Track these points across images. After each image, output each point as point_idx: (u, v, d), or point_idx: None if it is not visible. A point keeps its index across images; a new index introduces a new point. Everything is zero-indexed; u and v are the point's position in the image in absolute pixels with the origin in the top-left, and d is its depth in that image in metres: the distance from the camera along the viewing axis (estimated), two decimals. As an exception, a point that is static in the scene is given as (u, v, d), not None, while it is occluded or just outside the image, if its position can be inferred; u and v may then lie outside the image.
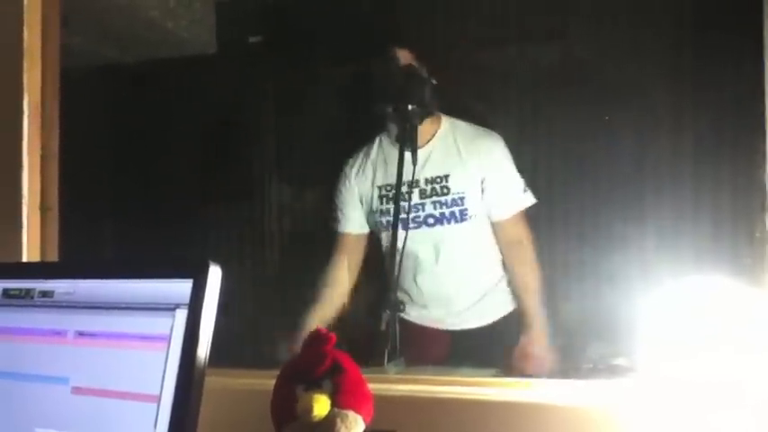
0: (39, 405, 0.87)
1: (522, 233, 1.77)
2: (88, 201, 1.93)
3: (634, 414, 1.00)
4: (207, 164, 2.34)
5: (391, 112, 1.74)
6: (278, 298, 2.31)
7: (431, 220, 1.76)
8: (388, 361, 1.40)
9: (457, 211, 1.76)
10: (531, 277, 1.74)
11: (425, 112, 1.73)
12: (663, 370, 1.10)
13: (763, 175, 1.29)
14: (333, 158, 2.07)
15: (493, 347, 1.76)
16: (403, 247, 1.59)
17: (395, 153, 1.74)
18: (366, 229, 1.89)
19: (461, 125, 1.83)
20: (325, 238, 2.26)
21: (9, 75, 1.38)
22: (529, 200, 1.78)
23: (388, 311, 1.45)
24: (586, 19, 2.04)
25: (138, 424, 0.80)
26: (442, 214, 1.76)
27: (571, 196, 2.00)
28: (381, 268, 1.81)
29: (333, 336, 0.89)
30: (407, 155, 1.68)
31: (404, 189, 1.71)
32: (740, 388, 0.99)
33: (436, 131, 1.81)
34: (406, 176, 1.69)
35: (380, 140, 1.86)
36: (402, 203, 1.69)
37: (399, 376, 1.21)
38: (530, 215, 1.82)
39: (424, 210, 1.76)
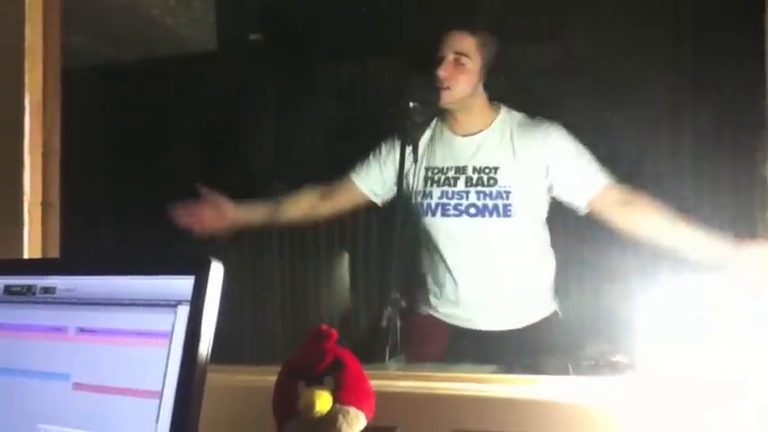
0: (40, 401, 0.88)
1: (620, 197, 1.68)
2: (89, 198, 1.93)
3: (634, 411, 1.01)
4: (207, 161, 2.34)
5: (392, 111, 1.74)
6: (278, 298, 2.31)
7: (473, 210, 1.72)
8: (389, 357, 1.40)
9: (501, 204, 1.71)
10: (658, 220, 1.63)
11: (427, 110, 1.72)
12: (663, 367, 1.10)
13: (764, 173, 1.29)
14: (333, 157, 2.08)
15: (521, 350, 1.73)
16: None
17: (451, 139, 1.76)
18: (370, 197, 1.87)
19: (518, 117, 1.78)
20: (326, 238, 2.26)
21: (10, 73, 1.38)
22: (605, 179, 1.69)
23: (389, 308, 1.46)
24: (585, 16, 2.04)
25: (139, 420, 0.81)
26: (485, 206, 1.72)
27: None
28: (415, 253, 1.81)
29: (334, 332, 0.89)
30: (408, 152, 1.68)
31: (451, 174, 1.72)
32: (740, 386, 0.99)
33: (493, 121, 1.77)
34: (456, 162, 1.70)
35: (436, 123, 1.82)
36: (446, 188, 1.69)
37: (401, 372, 1.21)
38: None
39: (467, 198, 1.72)
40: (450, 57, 1.72)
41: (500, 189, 1.71)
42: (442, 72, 1.71)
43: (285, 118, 2.33)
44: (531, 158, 1.73)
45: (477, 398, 1.06)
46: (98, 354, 0.86)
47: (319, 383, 0.87)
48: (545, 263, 1.81)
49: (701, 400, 0.99)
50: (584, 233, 1.84)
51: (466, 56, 1.72)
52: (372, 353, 1.39)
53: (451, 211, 1.73)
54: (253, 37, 2.39)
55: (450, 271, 1.77)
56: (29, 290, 0.93)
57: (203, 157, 2.37)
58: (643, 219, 1.66)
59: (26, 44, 1.39)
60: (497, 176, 1.72)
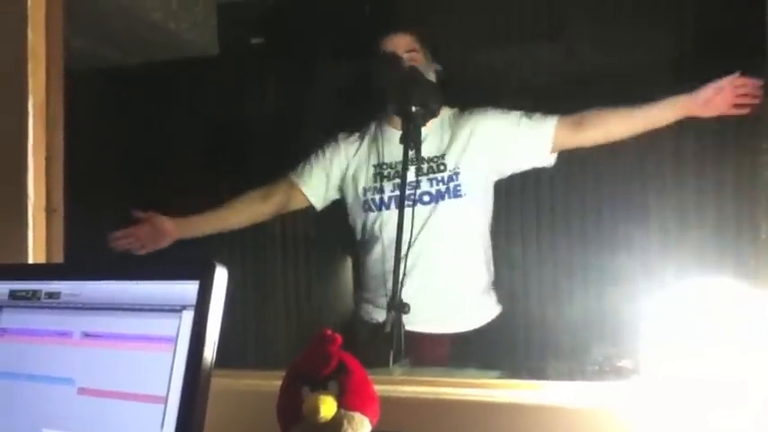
0: (45, 406, 0.88)
1: (572, 124, 1.76)
2: (93, 202, 1.93)
3: (639, 415, 1.00)
4: (210, 165, 2.34)
5: (395, 113, 1.75)
6: (282, 303, 2.31)
7: (426, 198, 1.76)
8: (393, 362, 1.40)
9: (452, 186, 1.77)
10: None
11: (429, 113, 1.73)
12: (667, 371, 1.10)
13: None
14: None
15: (482, 352, 1.75)
16: (408, 248, 1.58)
17: (393, 134, 1.79)
18: (311, 199, 1.91)
19: (453, 111, 1.85)
20: (328, 240, 2.26)
21: (14, 76, 1.38)
22: (553, 121, 1.76)
23: (392, 312, 1.45)
24: (587, 17, 2.04)
25: (144, 425, 0.80)
26: (438, 191, 1.77)
27: (574, 198, 1.99)
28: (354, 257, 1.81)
29: (339, 337, 0.89)
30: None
31: (400, 168, 1.73)
32: (744, 389, 0.99)
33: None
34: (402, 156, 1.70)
35: (379, 121, 1.86)
36: (397, 181, 1.73)
37: (405, 377, 1.21)
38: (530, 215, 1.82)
39: (420, 187, 1.76)
40: (402, 52, 1.79)
41: (449, 173, 1.78)
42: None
43: (287, 120, 2.33)
44: (471, 142, 1.79)
45: (483, 403, 1.06)
46: (103, 358, 0.86)
47: (324, 388, 0.87)
48: (484, 263, 1.83)
49: (707, 403, 0.99)
50: (588, 237, 1.84)
51: (414, 50, 1.80)
52: (376, 358, 1.39)
53: (405, 202, 1.74)
54: (255, 41, 2.39)
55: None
56: (33, 295, 0.93)
57: (206, 160, 2.37)
58: (601, 126, 1.74)
59: (29, 47, 1.39)
60: (446, 161, 1.78)
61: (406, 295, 1.49)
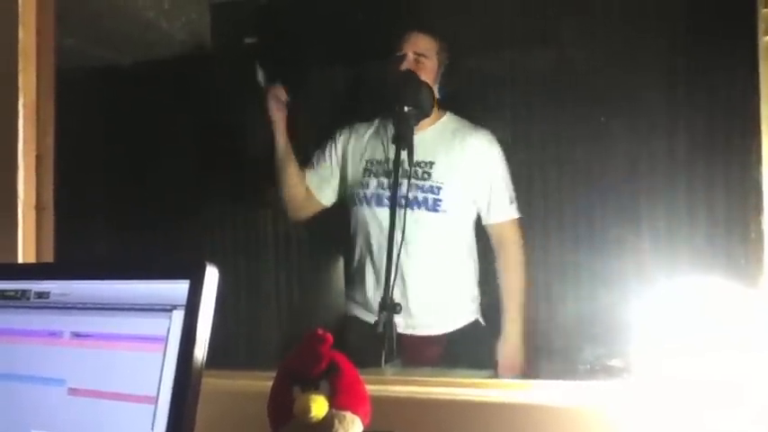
0: (35, 406, 0.87)
1: (509, 237, 1.79)
2: (84, 201, 1.92)
3: (630, 415, 1.01)
4: (202, 165, 2.34)
5: (388, 113, 1.75)
6: (273, 302, 2.30)
7: (402, 201, 1.76)
8: (385, 362, 1.40)
9: (431, 199, 1.77)
10: (514, 284, 1.77)
11: (421, 114, 1.73)
12: (658, 371, 1.10)
13: (758, 176, 1.29)
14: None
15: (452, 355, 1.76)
16: (399, 250, 1.58)
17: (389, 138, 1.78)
18: (324, 200, 1.92)
19: (460, 121, 1.85)
20: (320, 239, 2.26)
21: (4, 75, 1.38)
22: (513, 212, 1.80)
23: (384, 312, 1.45)
24: (579, 23, 2.04)
25: (135, 425, 0.80)
26: (416, 198, 1.76)
27: (566, 198, 1.99)
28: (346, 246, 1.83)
29: (330, 336, 0.89)
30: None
31: (388, 166, 1.75)
32: (735, 389, 0.99)
33: (436, 121, 1.83)
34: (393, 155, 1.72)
35: (379, 122, 1.86)
36: (382, 179, 1.74)
37: (396, 377, 1.21)
38: (523, 219, 1.83)
39: (400, 189, 1.75)
40: (411, 55, 1.78)
41: (432, 184, 1.77)
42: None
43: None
44: (464, 161, 1.80)
45: (474, 402, 1.06)
46: (93, 359, 0.86)
47: (315, 388, 0.87)
48: (468, 269, 1.83)
49: (697, 403, 0.99)
50: (579, 235, 1.85)
51: (424, 56, 1.79)
52: (368, 358, 1.39)
53: (385, 202, 1.76)
54: (248, 40, 2.39)
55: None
56: (23, 294, 0.92)
57: (198, 159, 2.36)
58: (506, 270, 1.80)
59: (20, 46, 1.38)
60: (432, 171, 1.78)
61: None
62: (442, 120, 1.83)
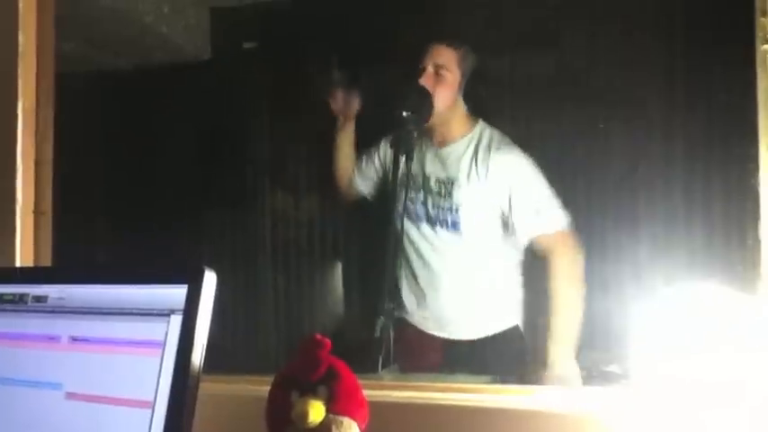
0: (32, 410, 0.87)
1: (559, 248, 1.74)
2: (82, 206, 1.92)
3: (628, 420, 1.01)
4: (201, 170, 2.34)
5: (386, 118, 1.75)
6: (271, 307, 2.31)
7: (424, 219, 1.79)
8: (382, 368, 1.40)
9: (449, 219, 1.77)
10: (563, 296, 1.71)
11: (420, 120, 1.74)
12: (656, 376, 1.10)
13: (756, 182, 1.30)
14: (327, 165, 2.07)
15: (486, 360, 1.75)
16: (398, 248, 1.58)
17: (428, 147, 1.82)
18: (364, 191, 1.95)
19: (491, 134, 1.82)
20: (319, 247, 2.26)
21: (4, 79, 1.38)
22: (563, 220, 1.74)
23: (382, 318, 1.46)
24: (578, 26, 2.05)
25: (132, 430, 0.80)
26: (436, 216, 1.78)
27: (563, 204, 2.00)
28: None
29: (328, 342, 0.89)
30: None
31: (419, 181, 1.78)
32: (734, 394, 1.00)
33: (465, 134, 1.82)
34: (424, 170, 1.76)
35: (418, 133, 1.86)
36: (412, 195, 1.76)
37: (394, 383, 1.21)
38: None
39: (426, 206, 1.78)
40: (431, 68, 1.78)
41: (452, 204, 1.77)
42: (423, 83, 1.77)
43: (280, 126, 2.33)
44: (492, 179, 1.76)
45: (472, 408, 1.06)
46: (91, 363, 0.86)
47: (313, 393, 0.87)
48: (503, 278, 1.82)
49: (695, 408, 0.99)
50: (578, 241, 1.85)
51: (445, 68, 1.78)
52: (366, 363, 1.39)
53: (413, 217, 1.79)
54: (247, 45, 2.39)
55: (417, 278, 1.83)
56: (21, 298, 0.92)
57: (197, 164, 2.36)
58: (555, 279, 1.73)
59: (19, 50, 1.38)
60: (453, 191, 1.78)
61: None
62: (470, 134, 1.81)
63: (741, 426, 0.96)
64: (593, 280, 1.82)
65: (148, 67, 2.38)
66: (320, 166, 2.17)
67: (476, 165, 1.77)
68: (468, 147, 1.80)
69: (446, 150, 1.81)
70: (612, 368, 1.31)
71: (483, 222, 1.78)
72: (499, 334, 1.80)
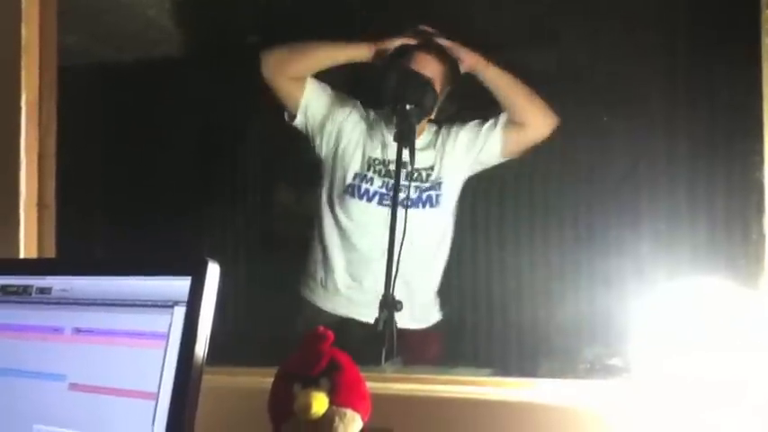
0: (36, 401, 0.88)
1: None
2: (85, 198, 1.92)
3: (629, 414, 1.01)
4: (204, 163, 2.34)
5: (389, 112, 1.75)
6: (273, 298, 2.31)
7: (408, 202, 1.76)
8: (385, 361, 1.40)
9: (434, 195, 1.79)
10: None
11: (423, 113, 1.74)
12: (658, 370, 1.11)
13: (760, 177, 1.30)
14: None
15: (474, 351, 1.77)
16: (401, 247, 1.58)
17: (382, 134, 1.80)
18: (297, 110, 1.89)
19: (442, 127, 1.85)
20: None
21: (7, 73, 1.38)
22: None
23: (384, 311, 1.45)
24: (580, 22, 2.05)
25: (136, 421, 0.81)
26: (419, 198, 1.78)
27: (566, 199, 2.00)
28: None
29: (331, 334, 0.89)
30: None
31: (392, 167, 1.74)
32: (735, 389, 1.00)
33: (424, 130, 1.83)
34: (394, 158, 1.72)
35: (374, 117, 1.85)
36: (386, 179, 1.75)
37: (397, 375, 1.21)
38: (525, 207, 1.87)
39: (405, 191, 1.75)
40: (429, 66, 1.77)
41: (433, 182, 1.79)
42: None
43: (281, 120, 2.33)
44: (454, 153, 1.81)
45: (474, 401, 1.06)
46: (94, 354, 0.86)
47: (315, 385, 0.87)
48: (438, 265, 1.82)
49: (697, 403, 0.99)
50: (579, 235, 1.85)
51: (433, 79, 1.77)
52: (368, 356, 1.39)
53: (386, 202, 1.76)
54: (251, 39, 2.39)
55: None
56: (25, 290, 0.93)
57: (200, 158, 2.36)
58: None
59: (23, 43, 1.38)
60: (432, 173, 1.80)
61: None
62: (428, 129, 1.84)
63: (743, 423, 0.96)
64: (596, 275, 1.83)
65: (152, 60, 2.38)
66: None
67: (443, 149, 1.82)
68: (431, 138, 1.83)
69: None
70: (615, 362, 1.31)
71: (451, 195, 1.82)
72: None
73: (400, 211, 1.72)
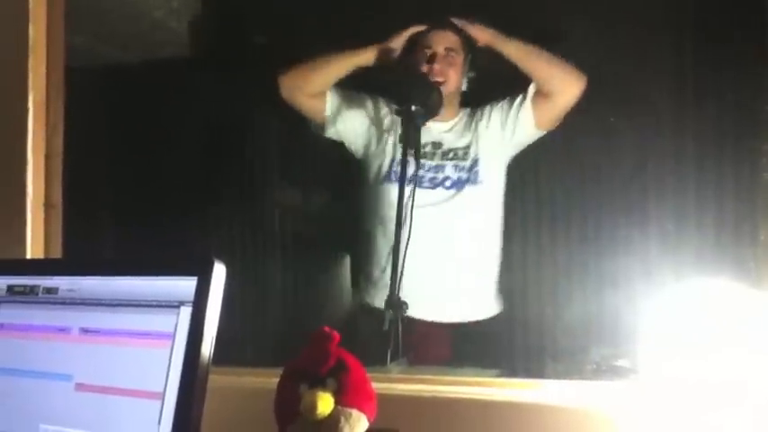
0: (43, 401, 0.88)
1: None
2: (92, 199, 1.93)
3: (636, 415, 1.00)
4: (211, 163, 2.34)
5: (395, 112, 1.75)
6: (279, 298, 2.31)
7: (448, 183, 1.80)
8: (391, 361, 1.40)
9: (473, 172, 1.82)
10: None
11: (428, 114, 1.74)
12: (665, 372, 1.10)
13: (768, 178, 1.29)
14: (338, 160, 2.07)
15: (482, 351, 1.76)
16: (406, 246, 1.58)
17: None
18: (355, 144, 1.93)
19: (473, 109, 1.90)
20: (328, 240, 2.26)
21: (14, 73, 1.38)
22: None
23: (391, 311, 1.45)
24: (588, 22, 2.04)
25: (142, 421, 0.80)
26: (459, 178, 1.81)
27: (573, 199, 1.99)
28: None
29: (337, 334, 0.89)
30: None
31: (428, 149, 1.79)
32: (742, 390, 0.99)
33: (459, 112, 1.89)
34: (432, 139, 1.78)
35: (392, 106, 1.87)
36: (423, 161, 1.75)
37: (403, 375, 1.21)
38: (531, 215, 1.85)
39: (443, 171, 1.80)
40: (442, 51, 1.81)
41: (472, 159, 1.83)
42: (437, 66, 1.80)
43: (290, 120, 2.33)
44: (488, 132, 1.85)
45: (480, 401, 1.06)
46: (100, 354, 0.86)
47: (321, 385, 0.87)
48: (491, 256, 1.85)
49: (704, 404, 0.99)
50: (587, 236, 1.85)
51: (454, 50, 1.83)
52: (374, 356, 1.39)
53: (426, 184, 1.78)
54: (258, 40, 2.39)
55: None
56: (31, 290, 0.93)
57: (206, 157, 2.37)
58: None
59: (30, 44, 1.39)
60: (470, 151, 1.83)
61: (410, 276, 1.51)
62: (462, 111, 1.88)
63: (750, 424, 0.95)
64: (603, 276, 1.82)
65: (158, 61, 2.38)
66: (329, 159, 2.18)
67: (477, 129, 1.85)
68: (466, 118, 1.87)
69: (449, 124, 1.85)
70: (622, 363, 1.30)
71: (495, 173, 1.85)
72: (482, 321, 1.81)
73: (439, 193, 1.76)
